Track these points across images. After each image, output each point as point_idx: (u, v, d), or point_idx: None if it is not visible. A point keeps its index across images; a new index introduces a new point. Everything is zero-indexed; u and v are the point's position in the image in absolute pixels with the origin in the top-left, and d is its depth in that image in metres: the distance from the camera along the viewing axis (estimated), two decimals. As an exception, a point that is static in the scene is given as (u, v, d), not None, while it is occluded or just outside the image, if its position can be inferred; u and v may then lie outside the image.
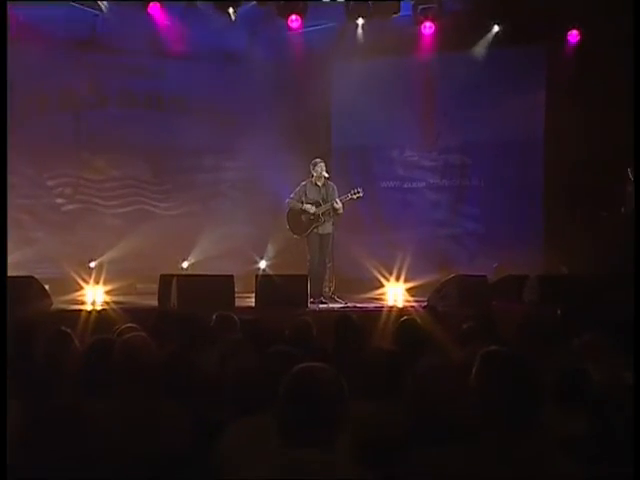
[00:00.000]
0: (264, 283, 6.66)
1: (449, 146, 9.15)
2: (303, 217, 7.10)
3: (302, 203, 7.08)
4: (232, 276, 6.52)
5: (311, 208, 7.00)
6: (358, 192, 7.06)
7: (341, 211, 7.02)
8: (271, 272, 8.37)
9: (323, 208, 6.96)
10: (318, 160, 7.17)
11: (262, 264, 9.05)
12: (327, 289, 7.34)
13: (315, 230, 7.11)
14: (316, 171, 7.13)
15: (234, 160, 9.22)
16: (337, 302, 7.10)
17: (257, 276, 6.95)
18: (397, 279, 7.43)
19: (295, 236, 7.27)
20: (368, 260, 7.48)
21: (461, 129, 8.94)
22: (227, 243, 8.70)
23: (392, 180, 9.40)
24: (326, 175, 7.07)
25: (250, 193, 9.25)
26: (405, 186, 9.39)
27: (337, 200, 6.91)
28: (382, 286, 7.51)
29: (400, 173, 9.39)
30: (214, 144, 9.00)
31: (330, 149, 9.20)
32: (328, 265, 7.31)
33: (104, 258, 8.01)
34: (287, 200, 7.19)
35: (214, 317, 4.22)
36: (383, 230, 8.81)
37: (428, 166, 9.33)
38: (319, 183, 7.16)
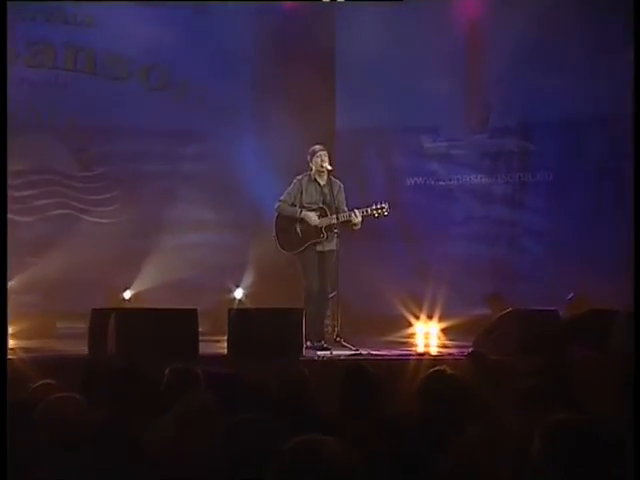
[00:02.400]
0: (241, 321, 6.73)
1: (504, 127, 9.36)
2: (299, 227, 7.23)
3: (299, 208, 7.21)
4: (195, 310, 6.60)
5: (313, 217, 7.13)
6: (382, 208, 7.15)
7: (359, 227, 7.16)
8: (251, 305, 8.64)
9: (328, 220, 7.08)
10: (318, 147, 7.25)
11: (238, 293, 9.32)
12: (330, 329, 7.46)
13: (313, 246, 7.24)
14: (316, 162, 7.22)
15: (197, 145, 9.47)
16: (344, 348, 7.12)
17: (231, 310, 7.00)
18: (429, 315, 7.68)
19: (284, 252, 7.35)
20: (388, 288, 7.84)
21: (521, 103, 9.19)
22: (188, 264, 8.95)
23: (421, 175, 9.61)
24: (329, 168, 7.14)
25: (220, 192, 9.39)
26: (440, 184, 9.58)
27: (356, 212, 7.04)
28: (408, 325, 7.78)
29: (432, 166, 9.59)
30: (168, 122, 9.28)
31: (332, 132, 9.35)
32: (331, 295, 7.38)
33: (9, 285, 7.89)
34: (276, 204, 7.29)
35: (168, 371, 4.25)
36: (409, 245, 9.04)
37: (473, 155, 9.50)
38: (320, 180, 7.28)
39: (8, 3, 5.99)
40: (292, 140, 8.38)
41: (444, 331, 7.64)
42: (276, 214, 7.36)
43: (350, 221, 7.07)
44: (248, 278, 9.21)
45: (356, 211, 7.05)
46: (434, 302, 7.75)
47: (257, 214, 8.66)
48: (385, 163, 9.58)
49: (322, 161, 7.11)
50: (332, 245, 7.24)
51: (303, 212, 7.14)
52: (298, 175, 7.35)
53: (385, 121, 9.41)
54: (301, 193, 7.26)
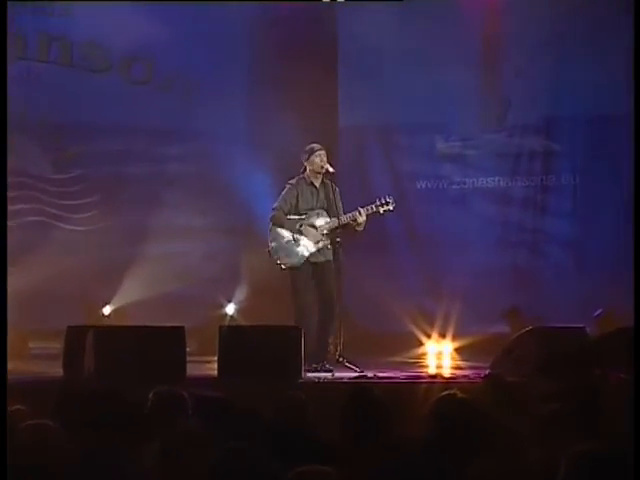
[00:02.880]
0: (233, 339, 6.75)
1: (525, 125, 9.35)
2: (298, 240, 7.28)
3: (299, 220, 7.25)
4: (182, 328, 6.62)
5: (316, 224, 7.20)
6: (387, 203, 7.24)
7: (362, 228, 7.22)
8: (244, 322, 8.66)
9: (329, 224, 7.14)
10: (317, 146, 7.27)
11: (229, 309, 9.29)
12: (332, 348, 7.40)
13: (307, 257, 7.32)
14: (313, 162, 7.24)
15: (183, 144, 9.45)
16: (348, 369, 7.14)
17: (222, 328, 7.03)
18: (442, 333, 7.68)
19: (283, 265, 7.34)
20: (396, 303, 7.82)
21: (544, 97, 9.17)
22: (174, 275, 8.92)
23: (432, 178, 9.53)
24: (330, 170, 7.19)
25: (210, 195, 9.35)
26: (453, 187, 9.53)
27: (361, 210, 7.08)
28: (419, 344, 7.76)
29: (444, 168, 9.54)
30: (152, 119, 9.32)
31: (334, 131, 9.35)
32: (332, 311, 7.32)
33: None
34: (271, 213, 7.32)
35: (152, 394, 4.22)
36: (418, 256, 8.99)
37: (490, 156, 9.48)
38: (316, 182, 7.33)
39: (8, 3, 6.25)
40: (289, 138, 8.42)
41: (458, 351, 7.69)
42: (270, 224, 7.38)
43: (355, 220, 7.12)
44: (241, 291, 9.19)
45: (360, 210, 7.11)
46: (447, 319, 7.80)
47: (250, 219, 8.67)
48: (392, 165, 9.52)
49: (322, 161, 7.14)
50: (328, 255, 7.29)
51: (304, 226, 7.22)
52: (291, 179, 7.38)
53: (392, 119, 9.38)
54: (297, 199, 7.29)
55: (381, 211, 7.24)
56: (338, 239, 7.25)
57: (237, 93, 9.41)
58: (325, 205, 7.28)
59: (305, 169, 7.24)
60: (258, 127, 9.17)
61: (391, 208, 7.22)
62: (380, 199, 7.21)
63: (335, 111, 9.46)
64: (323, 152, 7.19)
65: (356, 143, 9.49)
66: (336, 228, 7.20)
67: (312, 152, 7.15)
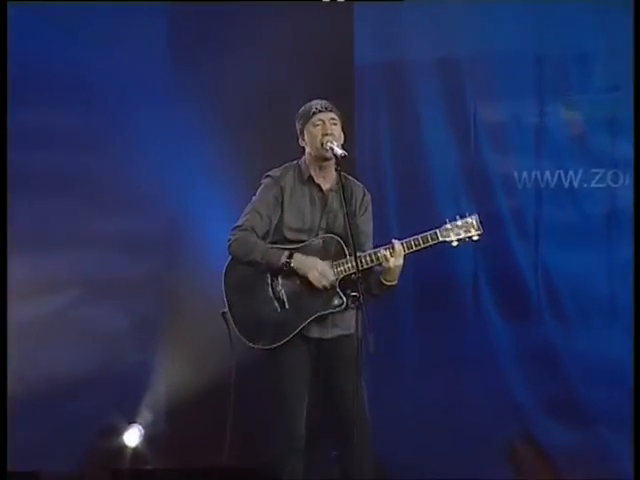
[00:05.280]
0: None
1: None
2: (280, 287, 5.31)
3: (289, 244, 5.30)
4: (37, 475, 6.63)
5: (315, 264, 5.23)
6: (468, 223, 5.22)
7: (395, 278, 5.20)
8: (160, 461, 7.39)
9: (346, 264, 5.21)
10: (320, 104, 5.27)
11: (131, 436, 7.44)
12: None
13: (304, 330, 5.27)
14: (311, 136, 5.21)
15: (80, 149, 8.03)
16: None
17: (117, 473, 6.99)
18: None
19: (250, 345, 5.34)
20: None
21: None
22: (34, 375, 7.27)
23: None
24: (340, 152, 5.05)
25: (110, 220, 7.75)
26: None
27: (395, 244, 5.13)
28: None
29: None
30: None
31: (350, 72, 7.58)
32: (348, 439, 5.13)
33: None
34: (230, 236, 5.36)
35: None
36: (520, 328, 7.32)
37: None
38: (322, 182, 5.34)
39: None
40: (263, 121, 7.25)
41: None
42: (228, 260, 5.29)
43: (387, 261, 5.09)
44: (155, 407, 7.49)
45: (396, 243, 5.10)
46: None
47: (186, 250, 7.39)
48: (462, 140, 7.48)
49: (325, 133, 5.07)
50: (344, 326, 5.19)
51: (295, 255, 5.19)
52: (273, 169, 5.39)
53: (457, 48, 7.54)
54: (282, 209, 5.32)
55: (466, 237, 5.15)
56: (354, 293, 4.95)
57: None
58: (334, 225, 5.30)
59: (303, 152, 5.31)
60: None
61: (475, 238, 5.20)
62: (460, 219, 5.15)
63: (350, 46, 7.70)
64: (330, 115, 5.19)
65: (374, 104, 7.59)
66: (353, 274, 5.05)
67: (310, 114, 5.20)
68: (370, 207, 5.34)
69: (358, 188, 5.24)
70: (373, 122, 7.60)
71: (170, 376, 7.52)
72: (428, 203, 7.06)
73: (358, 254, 4.89)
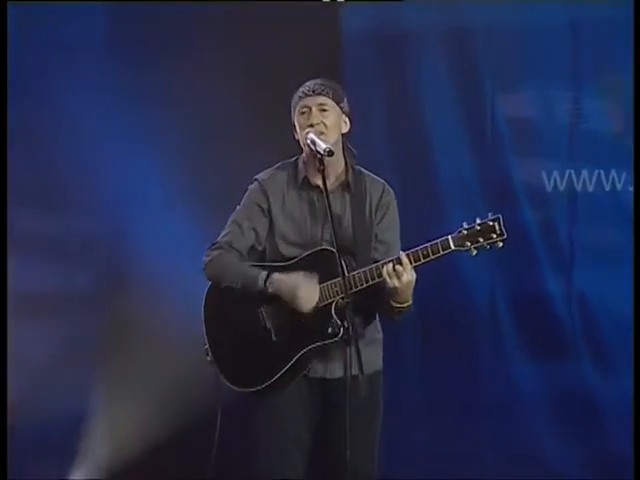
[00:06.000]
0: None
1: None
2: (265, 315, 4.61)
3: (280, 262, 4.71)
4: None
5: (306, 284, 4.52)
6: (489, 226, 4.37)
7: (407, 299, 4.48)
8: None
9: (345, 284, 4.47)
10: (308, 89, 4.57)
11: None
12: None
13: (301, 367, 4.63)
14: (300, 126, 4.56)
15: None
16: None
17: None
18: None
19: (235, 388, 4.65)
20: None
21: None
22: None
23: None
24: (324, 147, 4.34)
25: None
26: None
27: (401, 255, 4.34)
28: None
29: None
30: None
31: (337, 46, 6.86)
32: None
33: None
34: (206, 256, 4.70)
35: None
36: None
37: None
38: (318, 181, 4.56)
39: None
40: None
41: None
42: (208, 285, 4.62)
43: (393, 278, 4.35)
44: (92, 463, 6.79)
45: (419, 252, 4.35)
46: None
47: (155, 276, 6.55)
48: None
49: (310, 125, 4.41)
50: (348, 362, 4.54)
51: (273, 275, 4.49)
52: (263, 171, 4.68)
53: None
54: (270, 219, 4.63)
55: (470, 246, 4.38)
56: (345, 323, 4.47)
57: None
58: (341, 236, 4.56)
59: (299, 141, 4.56)
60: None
61: (501, 243, 4.33)
62: (482, 223, 4.28)
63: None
64: (319, 100, 4.50)
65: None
66: (343, 297, 4.39)
67: (295, 102, 4.54)
68: (393, 208, 4.57)
69: (376, 185, 4.47)
70: (365, 112, 6.45)
71: (114, 421, 6.74)
72: (434, 209, 6.30)
73: (354, 272, 4.20)
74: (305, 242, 4.46)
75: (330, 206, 4.35)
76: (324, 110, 4.33)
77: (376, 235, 4.44)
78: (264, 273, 4.36)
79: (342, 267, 4.23)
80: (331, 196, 4.38)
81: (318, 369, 4.43)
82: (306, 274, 4.43)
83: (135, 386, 6.63)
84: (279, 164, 4.67)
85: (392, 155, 6.62)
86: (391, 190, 4.59)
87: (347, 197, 4.46)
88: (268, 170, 4.65)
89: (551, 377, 6.53)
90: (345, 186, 4.43)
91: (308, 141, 4.31)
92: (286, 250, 4.45)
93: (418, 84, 6.72)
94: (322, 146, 4.20)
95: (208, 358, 4.62)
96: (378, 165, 6.42)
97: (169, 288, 6.31)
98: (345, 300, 4.20)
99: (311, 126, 4.35)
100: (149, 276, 6.56)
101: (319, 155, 4.26)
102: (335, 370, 4.43)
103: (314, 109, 4.36)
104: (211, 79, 6.95)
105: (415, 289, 4.33)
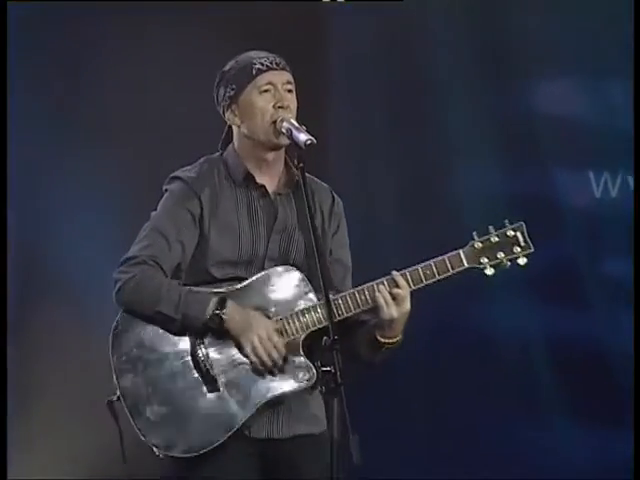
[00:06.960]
0: None
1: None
2: (204, 354, 3.94)
3: (222, 283, 3.96)
4: None
5: (281, 311, 3.90)
6: (509, 236, 3.96)
7: (397, 328, 3.89)
8: None
9: (317, 314, 3.88)
10: (269, 61, 3.88)
11: None
12: None
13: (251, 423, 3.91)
14: (256, 107, 3.88)
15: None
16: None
17: None
18: None
19: (162, 453, 3.79)
20: None
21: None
22: None
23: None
24: (305, 138, 3.71)
25: None
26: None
27: (397, 277, 3.96)
28: None
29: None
30: None
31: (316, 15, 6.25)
32: None
33: None
34: (119, 274, 3.94)
35: None
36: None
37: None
38: (268, 180, 4.01)
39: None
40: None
41: None
42: (119, 314, 3.77)
43: (385, 306, 3.75)
44: None
45: (419, 270, 3.78)
46: None
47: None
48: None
49: (280, 107, 3.79)
50: (309, 420, 3.86)
51: (229, 304, 3.80)
52: (182, 169, 3.96)
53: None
54: (201, 231, 3.96)
55: (486, 263, 3.78)
56: (329, 369, 3.38)
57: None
58: (290, 251, 3.97)
59: (228, 136, 3.93)
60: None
61: (525, 260, 3.78)
62: (501, 231, 3.76)
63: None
64: (285, 77, 3.85)
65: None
66: (328, 336, 3.50)
67: (249, 74, 3.86)
68: (344, 220, 4.02)
69: (322, 191, 3.96)
70: (356, 93, 5.92)
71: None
72: (444, 217, 5.42)
73: (332, 297, 3.64)
74: (242, 259, 3.83)
75: (310, 210, 3.63)
76: (289, 91, 3.78)
77: (330, 251, 3.91)
78: (215, 299, 3.61)
79: (327, 294, 3.45)
80: (277, 199, 3.84)
81: (262, 429, 3.69)
82: (264, 301, 3.81)
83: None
84: (202, 159, 3.97)
85: (391, 151, 5.75)
86: (338, 198, 4.03)
87: (293, 201, 3.87)
88: (190, 167, 3.94)
89: (607, 449, 5.44)
90: (291, 187, 3.83)
91: (283, 130, 3.67)
92: (217, 271, 3.80)
93: (427, 66, 5.85)
94: (303, 137, 3.58)
95: (113, 407, 3.67)
96: (370, 156, 5.73)
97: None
98: (331, 339, 3.40)
99: (280, 108, 3.73)
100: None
101: (298, 149, 3.64)
102: (284, 428, 3.75)
103: (281, 88, 3.77)
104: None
105: (418, 322, 3.64)
